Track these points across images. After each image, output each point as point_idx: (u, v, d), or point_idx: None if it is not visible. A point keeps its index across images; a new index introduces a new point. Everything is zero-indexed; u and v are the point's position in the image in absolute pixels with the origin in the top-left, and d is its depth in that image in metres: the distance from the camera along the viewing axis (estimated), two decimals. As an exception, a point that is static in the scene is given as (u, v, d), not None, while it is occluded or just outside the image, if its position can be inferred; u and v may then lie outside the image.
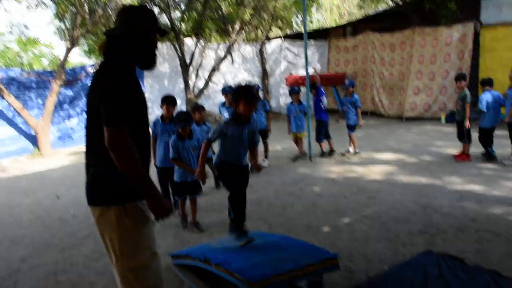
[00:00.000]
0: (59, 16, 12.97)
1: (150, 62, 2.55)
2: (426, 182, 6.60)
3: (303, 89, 9.75)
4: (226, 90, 7.64)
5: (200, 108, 6.65)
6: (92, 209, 2.37)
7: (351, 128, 8.86)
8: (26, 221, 5.97)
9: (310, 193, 6.39)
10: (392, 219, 5.09)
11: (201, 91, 14.85)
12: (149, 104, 13.83)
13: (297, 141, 8.88)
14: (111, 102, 2.22)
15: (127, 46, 2.39)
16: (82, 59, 28.79)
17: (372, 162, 8.26)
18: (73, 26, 11.89)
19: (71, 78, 12.50)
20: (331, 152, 9.00)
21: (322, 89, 9.03)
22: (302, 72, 16.11)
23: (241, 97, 3.70)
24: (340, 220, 5.17)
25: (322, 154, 8.92)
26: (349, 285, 3.52)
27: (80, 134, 12.46)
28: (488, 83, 7.72)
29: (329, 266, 3.15)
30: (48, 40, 44.30)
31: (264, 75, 17.02)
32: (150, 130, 5.81)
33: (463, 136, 7.83)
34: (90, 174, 2.37)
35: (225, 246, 3.61)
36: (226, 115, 7.53)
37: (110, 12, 12.14)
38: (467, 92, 7.76)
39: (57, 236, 5.16)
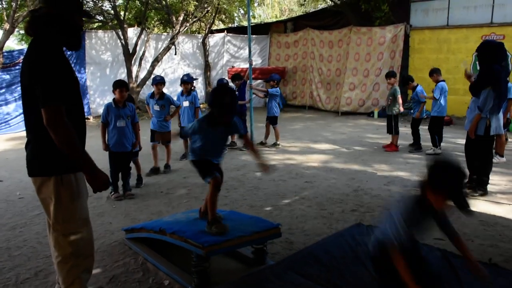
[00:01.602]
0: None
1: (76, 43, 2.65)
2: (358, 169, 7.20)
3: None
4: (157, 80, 7.38)
5: (123, 86, 5.87)
6: (33, 180, 2.59)
7: (275, 120, 9.30)
8: (-31, 203, 5.90)
9: (252, 178, 6.78)
10: (327, 200, 5.59)
11: (143, 81, 14.82)
12: (90, 92, 13.63)
13: None
14: (46, 82, 2.34)
15: (54, 26, 2.47)
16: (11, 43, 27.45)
17: (310, 151, 8.80)
18: (12, 7, 11.49)
19: (7, 61, 12.09)
20: (232, 144, 9.16)
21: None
22: (243, 65, 16.51)
23: None
24: (280, 201, 5.60)
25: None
26: (289, 254, 3.94)
27: (17, 120, 12.06)
28: (412, 79, 8.82)
29: (273, 234, 3.55)
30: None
31: (207, 67, 17.23)
32: (101, 115, 5.93)
33: (392, 129, 8.61)
34: (30, 149, 2.56)
35: (177, 219, 3.91)
36: (156, 107, 7.24)
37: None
38: (397, 87, 8.67)
39: (5, 217, 5.18)
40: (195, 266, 3.20)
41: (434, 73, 8.21)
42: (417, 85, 8.62)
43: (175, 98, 8.00)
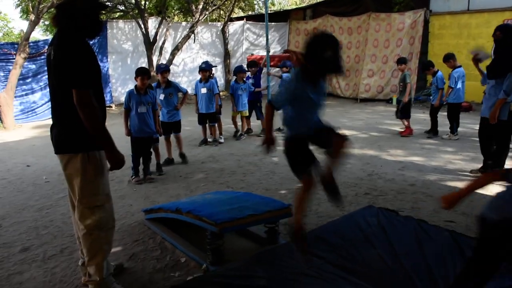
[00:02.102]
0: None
1: (96, 33, 2.90)
2: (374, 154, 7.28)
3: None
4: (162, 68, 7.37)
5: (145, 74, 6.01)
6: (60, 157, 2.84)
7: None
8: (-1, 186, 6.23)
9: (269, 163, 6.93)
10: (342, 183, 5.67)
11: (163, 69, 15.03)
12: (112, 80, 13.86)
13: (236, 119, 9.12)
14: (76, 68, 2.60)
15: (75, 20, 2.70)
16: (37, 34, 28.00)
17: (327, 137, 8.86)
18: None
19: (33, 51, 12.43)
20: (248, 130, 9.36)
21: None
22: (262, 53, 16.57)
23: None
24: (295, 185, 5.69)
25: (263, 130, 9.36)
26: (301, 234, 4.08)
27: (43, 108, 12.44)
28: (432, 64, 8.70)
29: (284, 213, 3.69)
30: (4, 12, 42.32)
31: (226, 55, 17.36)
32: (124, 102, 6.16)
33: (402, 113, 8.63)
34: (58, 129, 2.81)
35: (193, 200, 4.10)
36: (161, 97, 7.07)
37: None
38: (407, 73, 8.71)
39: (33, 199, 5.48)
40: (209, 244, 3.37)
41: (450, 58, 8.12)
42: (437, 70, 8.55)
43: (193, 87, 8.16)
